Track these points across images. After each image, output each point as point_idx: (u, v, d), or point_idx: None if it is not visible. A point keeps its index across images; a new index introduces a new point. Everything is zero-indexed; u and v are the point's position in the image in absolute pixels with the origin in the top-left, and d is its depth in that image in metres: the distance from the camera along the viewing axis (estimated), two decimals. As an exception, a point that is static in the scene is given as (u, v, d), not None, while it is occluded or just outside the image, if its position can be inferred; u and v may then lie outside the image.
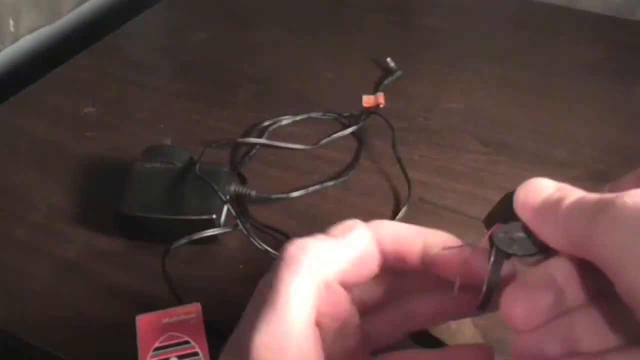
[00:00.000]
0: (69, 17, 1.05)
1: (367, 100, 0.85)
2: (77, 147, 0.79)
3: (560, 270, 0.30)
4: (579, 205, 0.29)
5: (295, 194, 0.71)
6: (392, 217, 0.69)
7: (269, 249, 0.61)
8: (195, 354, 0.54)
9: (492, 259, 0.31)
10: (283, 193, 0.71)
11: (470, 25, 1.02)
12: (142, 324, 0.56)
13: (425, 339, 0.57)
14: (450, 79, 0.90)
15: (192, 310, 0.57)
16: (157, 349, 0.54)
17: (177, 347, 0.54)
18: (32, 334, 0.59)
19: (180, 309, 0.57)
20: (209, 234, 0.64)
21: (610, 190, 0.31)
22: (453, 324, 0.58)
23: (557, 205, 0.30)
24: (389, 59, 0.91)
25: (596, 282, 0.29)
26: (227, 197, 0.67)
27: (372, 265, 0.37)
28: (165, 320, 0.56)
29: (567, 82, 0.89)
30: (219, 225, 0.65)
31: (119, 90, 0.89)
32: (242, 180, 0.73)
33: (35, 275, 0.64)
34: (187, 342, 0.54)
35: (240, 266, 0.64)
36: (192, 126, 0.82)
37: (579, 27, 1.00)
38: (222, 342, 0.58)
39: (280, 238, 0.67)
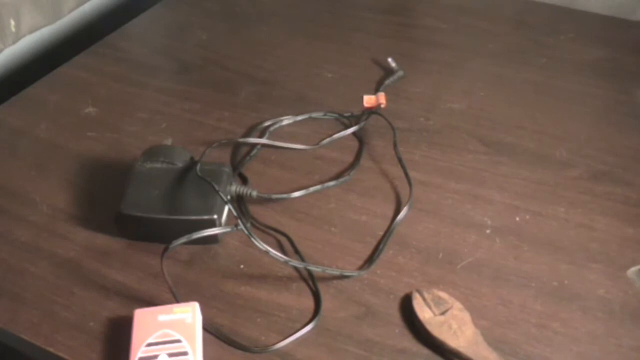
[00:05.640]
0: (69, 17, 1.05)
1: (368, 100, 0.85)
2: (78, 147, 0.79)
3: None
4: None
5: (296, 194, 0.71)
6: (394, 216, 0.69)
7: (269, 249, 0.61)
8: (185, 353, 0.54)
9: None
10: (284, 193, 0.71)
11: (470, 26, 1.02)
12: (139, 318, 0.56)
13: (429, 341, 0.57)
14: (451, 79, 0.90)
15: (189, 308, 0.57)
16: (149, 344, 0.55)
17: (169, 345, 0.54)
18: (33, 334, 0.59)
19: (177, 307, 0.57)
20: (208, 233, 0.64)
21: None
22: (454, 324, 0.58)
23: None
24: (390, 59, 0.91)
25: None
26: (228, 197, 0.67)
27: None
28: (162, 316, 0.56)
29: (567, 82, 0.89)
30: (220, 225, 0.65)
31: (119, 90, 0.89)
32: (243, 181, 0.73)
33: (36, 275, 0.64)
34: (178, 341, 0.55)
35: (242, 266, 0.65)
36: (192, 126, 0.82)
37: (579, 27, 1.00)
38: (220, 341, 0.58)
39: (281, 238, 0.67)
